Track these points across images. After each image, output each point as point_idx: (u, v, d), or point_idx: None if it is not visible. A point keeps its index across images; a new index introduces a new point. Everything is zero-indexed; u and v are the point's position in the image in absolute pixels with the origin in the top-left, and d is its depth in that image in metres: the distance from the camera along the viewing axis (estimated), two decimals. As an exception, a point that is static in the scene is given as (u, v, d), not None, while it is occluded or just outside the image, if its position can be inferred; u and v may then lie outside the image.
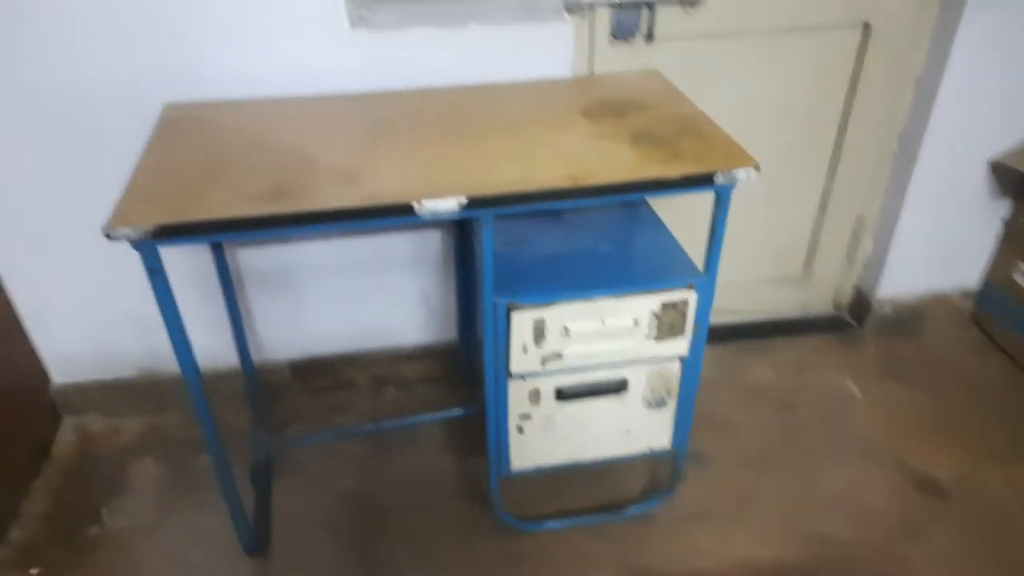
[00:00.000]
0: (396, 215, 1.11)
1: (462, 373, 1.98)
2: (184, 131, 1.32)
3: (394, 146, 1.26)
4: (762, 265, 2.06)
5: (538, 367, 1.34)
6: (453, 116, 1.37)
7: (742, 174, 1.17)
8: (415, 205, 1.10)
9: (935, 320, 2.13)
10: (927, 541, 1.58)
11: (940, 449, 1.79)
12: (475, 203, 1.11)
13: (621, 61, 1.67)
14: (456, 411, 1.87)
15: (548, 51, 1.58)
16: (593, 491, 1.69)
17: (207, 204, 1.09)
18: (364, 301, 1.87)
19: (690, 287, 1.31)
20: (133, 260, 1.66)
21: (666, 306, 1.31)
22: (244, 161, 1.21)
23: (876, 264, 2.06)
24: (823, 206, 2.00)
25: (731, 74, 1.74)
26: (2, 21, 1.39)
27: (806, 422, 1.87)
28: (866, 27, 1.72)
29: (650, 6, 1.62)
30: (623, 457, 1.53)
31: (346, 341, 1.94)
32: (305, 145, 1.26)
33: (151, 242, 1.05)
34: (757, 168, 1.18)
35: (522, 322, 1.28)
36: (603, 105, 1.40)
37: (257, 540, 1.56)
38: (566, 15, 1.57)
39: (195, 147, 1.26)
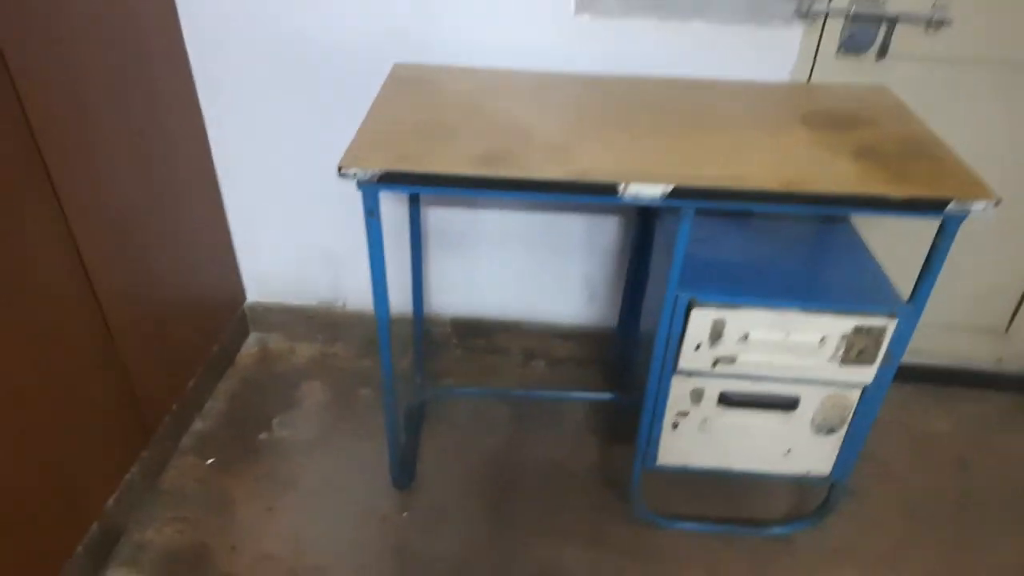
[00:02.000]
0: (600, 194, 1.12)
1: (614, 361, 1.98)
2: (410, 89, 1.40)
3: (604, 128, 1.28)
4: (961, 307, 1.89)
5: (707, 367, 1.32)
6: (665, 107, 1.36)
7: (979, 207, 1.08)
8: (620, 186, 1.11)
9: None
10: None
11: None
12: (679, 193, 1.11)
13: (845, 75, 1.58)
14: (606, 395, 1.88)
15: (769, 56, 1.53)
16: (732, 501, 1.65)
17: (429, 158, 1.15)
18: (530, 275, 1.92)
19: (892, 316, 1.23)
20: (336, 201, 1.83)
21: (859, 330, 1.24)
22: (463, 123, 1.27)
23: (1096, 328, 1.84)
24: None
25: (966, 104, 1.60)
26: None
27: (982, 486, 1.72)
28: None
29: (892, 21, 1.51)
30: (777, 475, 1.48)
31: (507, 309, 1.99)
32: (520, 116, 1.30)
33: (375, 185, 1.13)
34: (997, 203, 1.09)
35: (702, 319, 1.26)
36: (825, 115, 1.34)
37: (405, 474, 1.66)
38: (796, 21, 1.51)
39: (419, 105, 1.34)
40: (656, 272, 1.53)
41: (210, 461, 1.74)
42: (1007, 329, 1.93)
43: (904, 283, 1.30)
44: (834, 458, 1.43)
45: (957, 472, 1.75)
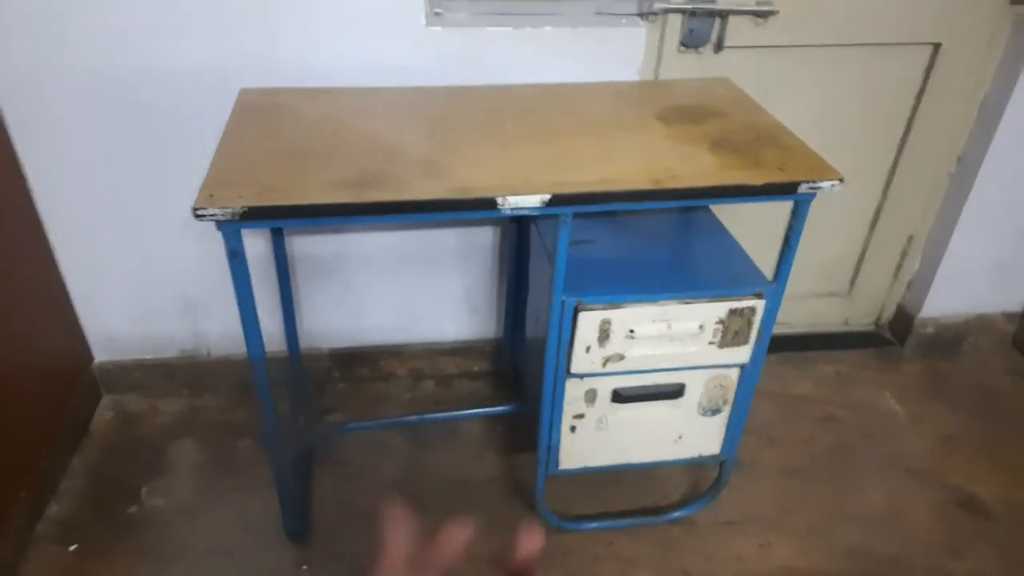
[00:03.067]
0: (480, 209, 1.10)
1: (505, 370, 1.98)
2: (263, 116, 1.32)
3: (473, 140, 1.26)
4: (808, 278, 2.05)
5: (599, 367, 1.33)
6: (529, 114, 1.37)
7: (826, 185, 1.17)
8: (499, 199, 1.09)
9: (976, 341, 2.13)
10: (968, 559, 1.58)
11: (982, 470, 1.78)
12: (558, 200, 1.11)
13: (688, 69, 1.66)
14: (501, 408, 1.87)
15: (619, 56, 1.58)
16: (634, 493, 1.68)
17: (296, 188, 1.08)
18: (408, 294, 1.87)
19: (759, 295, 1.30)
20: (189, 243, 1.69)
21: (733, 313, 1.31)
22: (325, 148, 1.21)
23: (921, 283, 2.06)
24: (874, 223, 1.99)
25: (796, 87, 1.73)
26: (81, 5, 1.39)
27: (848, 437, 1.87)
28: (936, 47, 1.72)
29: (723, 15, 1.61)
30: (672, 462, 1.53)
31: (388, 333, 1.93)
32: (386, 134, 1.26)
33: (237, 224, 1.05)
34: (841, 180, 1.18)
35: (589, 322, 1.27)
36: (678, 110, 1.40)
37: (300, 525, 1.56)
38: (640, 21, 1.57)
39: (276, 132, 1.26)
40: (536, 278, 1.54)
41: (73, 547, 1.55)
42: (849, 292, 2.12)
43: (762, 261, 1.38)
44: (722, 437, 1.50)
45: (826, 428, 1.89)
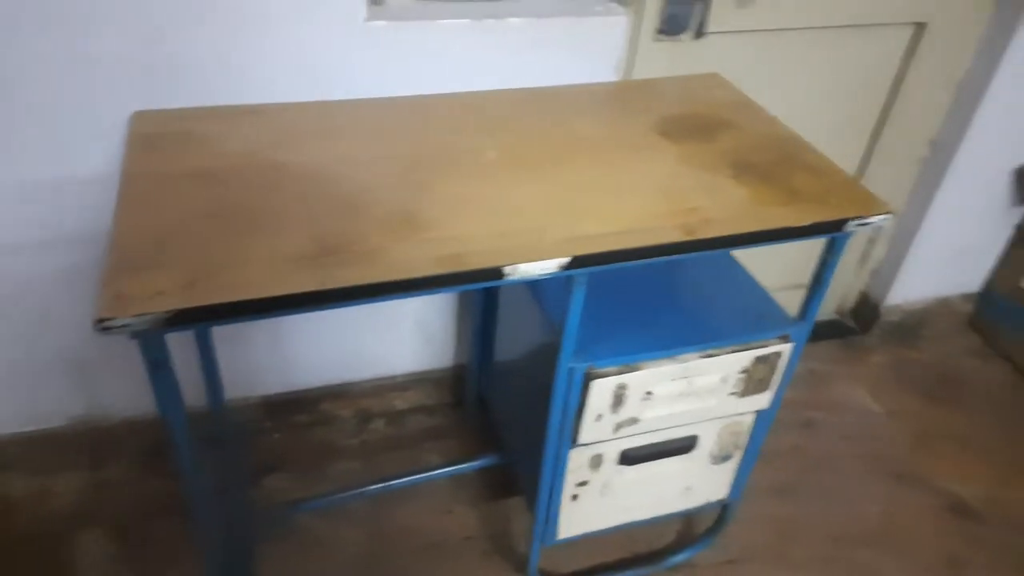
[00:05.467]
0: (482, 280, 0.87)
1: (469, 400, 1.74)
2: (169, 151, 1.00)
3: (450, 176, 1.00)
4: (772, 274, 1.92)
5: (609, 435, 1.14)
6: (508, 133, 1.12)
7: (876, 221, 1.00)
8: (506, 270, 0.86)
9: (936, 326, 2.09)
10: (970, 570, 1.54)
11: (965, 466, 1.75)
12: (578, 263, 0.89)
13: (665, 59, 1.45)
14: (476, 463, 1.62)
15: (596, 50, 1.35)
16: (626, 538, 1.52)
17: (236, 271, 0.80)
18: (348, 326, 1.60)
19: (785, 338, 1.14)
20: (70, 301, 1.34)
21: (759, 361, 1.14)
22: (262, 199, 0.92)
23: (888, 271, 1.98)
24: (843, 211, 1.88)
25: (776, 72, 1.56)
26: None
27: (831, 443, 1.78)
28: (919, 27, 1.58)
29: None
30: (679, 514, 1.37)
31: (328, 371, 1.66)
32: (338, 173, 0.98)
33: (161, 331, 0.76)
34: (891, 213, 1.01)
35: (602, 390, 1.07)
36: (681, 122, 1.19)
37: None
38: (617, 6, 1.34)
39: (191, 175, 0.95)
40: (519, 322, 1.32)
41: None
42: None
43: (770, 286, 1.23)
44: (731, 482, 1.35)
45: (808, 435, 1.80)
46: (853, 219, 0.99)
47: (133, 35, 1.10)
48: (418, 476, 1.57)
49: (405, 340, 1.67)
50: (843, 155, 1.76)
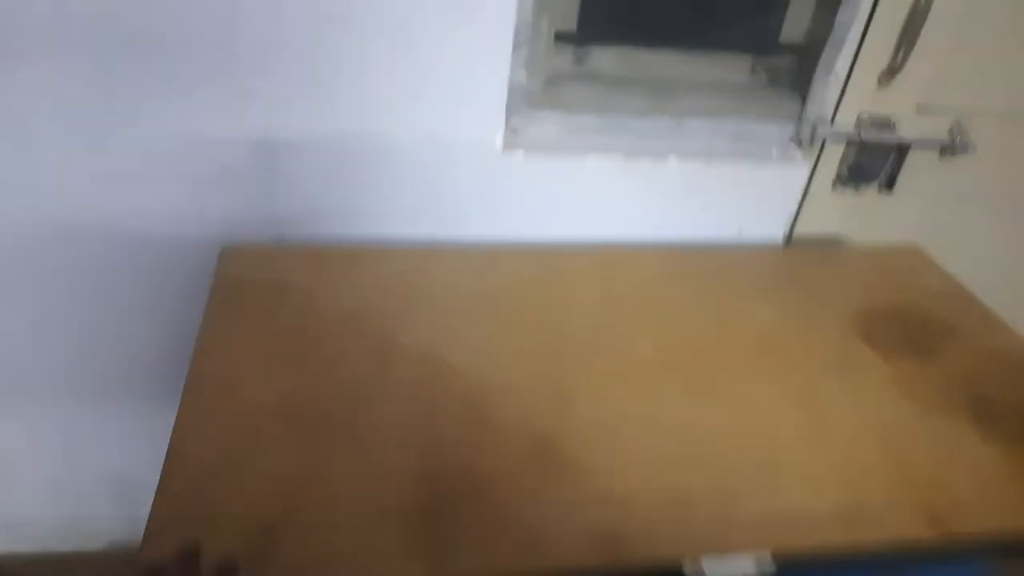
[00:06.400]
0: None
1: None
2: (257, 309, 0.81)
3: (593, 379, 0.78)
4: None
5: None
6: (662, 310, 0.89)
7: None
8: (689, 567, 0.62)
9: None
10: None
11: None
12: (783, 564, 0.64)
13: (841, 215, 1.21)
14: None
15: (765, 201, 1.12)
16: None
17: (318, 526, 0.59)
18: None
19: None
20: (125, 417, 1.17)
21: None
22: (367, 395, 0.71)
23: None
24: None
25: (967, 244, 1.30)
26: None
27: None
28: None
29: (903, 149, 1.16)
30: None
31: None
32: (452, 357, 0.77)
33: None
34: None
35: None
36: (882, 318, 0.94)
37: None
38: (796, 152, 1.11)
39: (278, 357, 0.76)
40: None
41: None
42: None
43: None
44: None
45: None
46: None
47: (244, 138, 0.93)
48: None
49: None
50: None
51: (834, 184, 1.20)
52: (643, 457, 0.70)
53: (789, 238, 1.25)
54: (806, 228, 1.24)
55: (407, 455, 0.67)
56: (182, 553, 0.52)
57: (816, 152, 1.16)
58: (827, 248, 1.13)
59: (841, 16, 1.02)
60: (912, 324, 0.93)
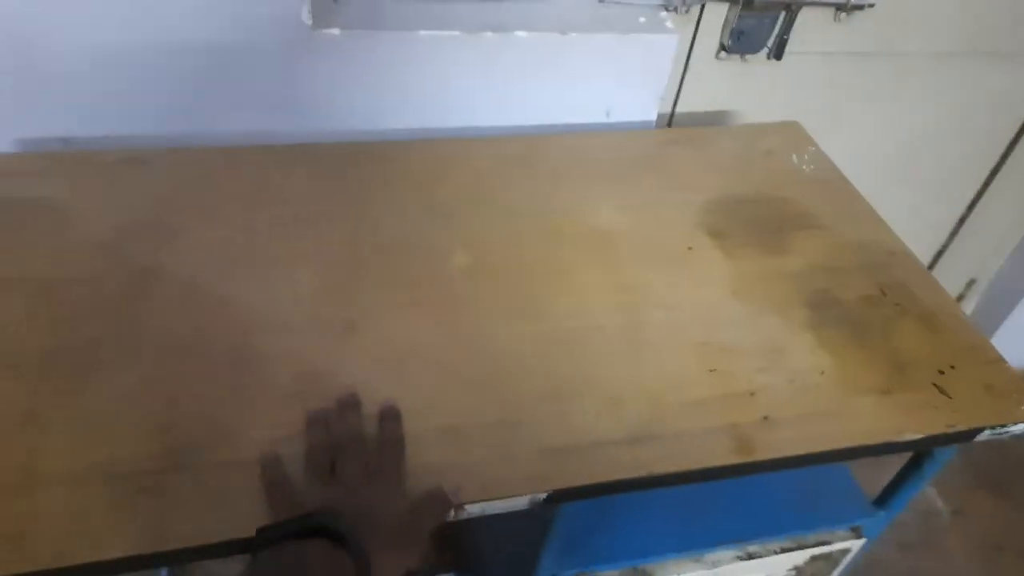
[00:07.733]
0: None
1: None
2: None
3: (391, 302, 0.69)
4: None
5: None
6: (493, 215, 0.79)
7: (1017, 429, 0.67)
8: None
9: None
10: None
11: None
12: (558, 497, 0.58)
13: (727, 84, 1.09)
14: None
15: (635, 75, 0.98)
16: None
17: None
18: None
19: (856, 532, 0.83)
20: None
21: (815, 559, 0.83)
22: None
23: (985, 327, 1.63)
24: (931, 266, 1.53)
25: (868, 104, 1.19)
26: None
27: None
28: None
29: (792, 7, 1.02)
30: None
31: None
32: (216, 285, 0.67)
33: None
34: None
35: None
36: (738, 210, 0.84)
37: None
38: (666, 16, 0.97)
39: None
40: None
41: None
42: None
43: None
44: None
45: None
46: (988, 428, 0.66)
47: None
48: None
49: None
50: (942, 203, 1.41)
51: (717, 54, 1.07)
52: (430, 379, 0.62)
53: (671, 119, 1.13)
54: (689, 107, 1.12)
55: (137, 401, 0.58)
56: (339, 403, 0.57)
57: (694, 19, 1.03)
58: (706, 129, 1.01)
59: None
60: (767, 214, 0.84)
